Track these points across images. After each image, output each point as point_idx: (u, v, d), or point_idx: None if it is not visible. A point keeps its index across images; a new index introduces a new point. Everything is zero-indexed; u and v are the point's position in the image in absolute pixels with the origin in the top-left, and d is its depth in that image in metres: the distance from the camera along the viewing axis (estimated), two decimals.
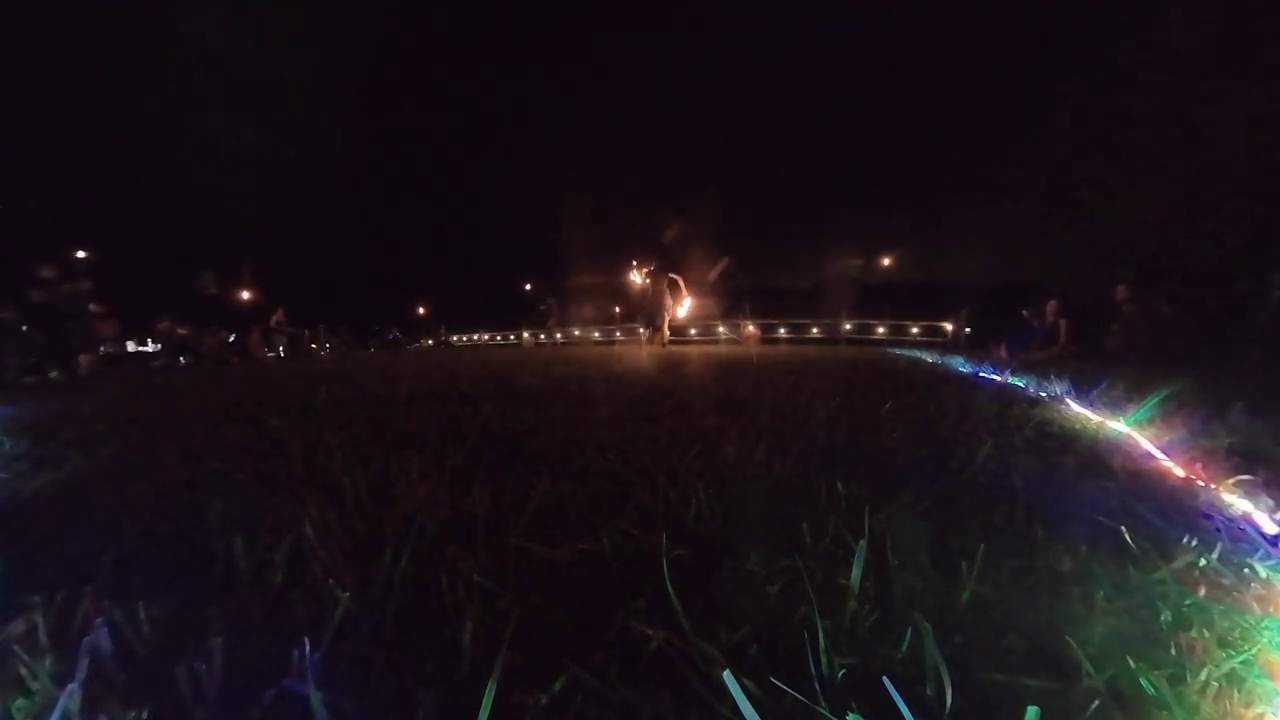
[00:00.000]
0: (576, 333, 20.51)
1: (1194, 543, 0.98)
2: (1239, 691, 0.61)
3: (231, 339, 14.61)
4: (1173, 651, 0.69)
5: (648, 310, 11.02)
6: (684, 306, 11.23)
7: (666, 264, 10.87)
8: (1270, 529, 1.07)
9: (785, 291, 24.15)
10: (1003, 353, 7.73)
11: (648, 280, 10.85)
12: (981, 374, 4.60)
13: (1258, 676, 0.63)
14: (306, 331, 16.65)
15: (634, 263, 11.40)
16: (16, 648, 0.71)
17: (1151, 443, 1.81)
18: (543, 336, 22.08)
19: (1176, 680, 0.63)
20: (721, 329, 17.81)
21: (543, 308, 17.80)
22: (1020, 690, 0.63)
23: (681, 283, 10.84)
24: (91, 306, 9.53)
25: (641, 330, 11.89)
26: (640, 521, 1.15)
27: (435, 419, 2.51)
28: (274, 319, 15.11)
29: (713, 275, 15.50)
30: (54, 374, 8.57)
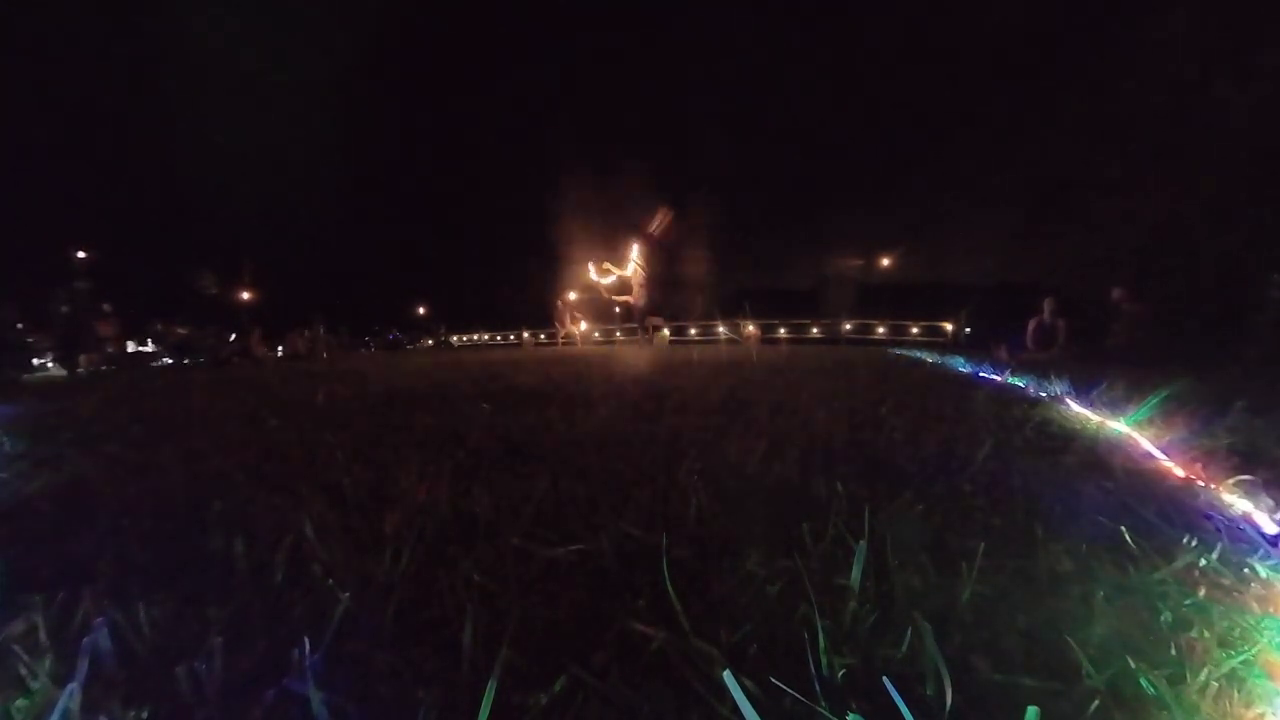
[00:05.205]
0: (581, 328, 20.53)
1: (1194, 543, 0.98)
2: (1239, 691, 0.61)
3: (232, 339, 14.64)
4: (1173, 651, 0.69)
5: (639, 312, 11.31)
6: (642, 298, 11.61)
7: (638, 262, 10.99)
8: (1270, 529, 1.07)
9: (785, 292, 24.18)
10: (1003, 353, 7.72)
11: (631, 283, 11.04)
12: (981, 374, 4.60)
13: (1258, 676, 0.63)
14: (305, 332, 16.72)
15: (591, 265, 11.44)
16: (16, 648, 0.71)
17: (1151, 443, 1.81)
18: (542, 337, 22.05)
19: (1176, 680, 0.63)
20: (721, 329, 17.80)
21: (572, 315, 17.72)
22: (1020, 690, 0.63)
23: (643, 276, 10.99)
24: (102, 306, 9.57)
25: (640, 330, 12.14)
26: (640, 521, 1.15)
27: (435, 419, 2.51)
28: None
29: (657, 229, 14.32)
30: (52, 367, 8.59)
